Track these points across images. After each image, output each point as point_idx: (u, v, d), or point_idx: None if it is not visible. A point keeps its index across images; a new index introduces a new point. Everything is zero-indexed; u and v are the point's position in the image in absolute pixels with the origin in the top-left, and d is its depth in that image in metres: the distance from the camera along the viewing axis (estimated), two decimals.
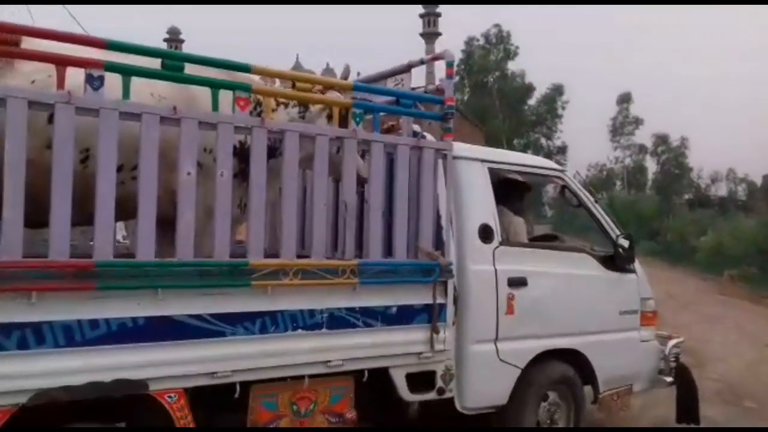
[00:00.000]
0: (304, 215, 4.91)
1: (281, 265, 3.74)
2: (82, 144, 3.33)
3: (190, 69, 3.57)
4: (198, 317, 3.50)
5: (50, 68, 3.23)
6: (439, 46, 47.13)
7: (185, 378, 3.49)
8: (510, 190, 5.21)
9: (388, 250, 4.28)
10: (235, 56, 3.76)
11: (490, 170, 4.93)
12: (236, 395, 3.65)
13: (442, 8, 49.69)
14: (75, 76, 3.21)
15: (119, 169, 3.33)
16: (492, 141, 40.03)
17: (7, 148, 3.04)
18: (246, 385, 3.72)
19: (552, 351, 5.03)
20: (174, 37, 50.55)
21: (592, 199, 5.62)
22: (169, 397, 3.44)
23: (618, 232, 5.55)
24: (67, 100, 3.14)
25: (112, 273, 3.25)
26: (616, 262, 5.48)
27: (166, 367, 3.42)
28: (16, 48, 3.12)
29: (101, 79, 3.22)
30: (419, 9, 49.72)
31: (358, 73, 5.87)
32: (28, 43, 3.20)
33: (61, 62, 3.18)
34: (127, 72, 3.32)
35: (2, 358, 3.01)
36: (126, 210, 3.46)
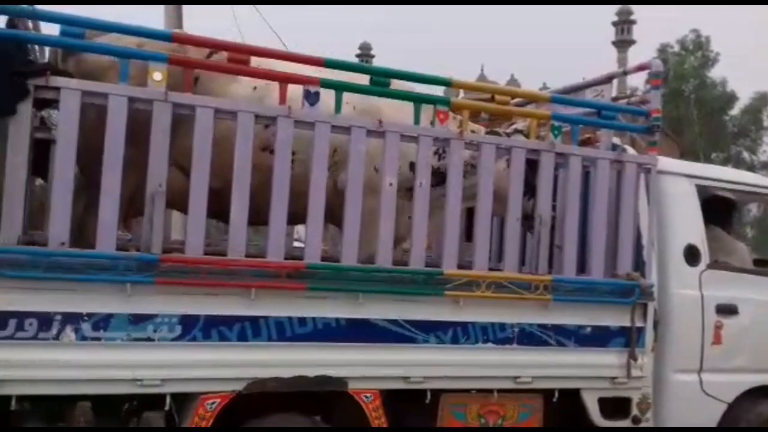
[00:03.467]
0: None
1: (474, 276, 3.77)
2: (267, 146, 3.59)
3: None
4: (394, 322, 3.63)
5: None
6: (632, 54, 44.80)
7: (381, 380, 3.63)
8: (717, 209, 4.81)
9: (581, 267, 4.15)
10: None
11: (698, 187, 4.59)
12: (427, 401, 3.73)
13: (636, 15, 47.11)
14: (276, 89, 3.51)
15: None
16: (688, 154, 37.14)
17: (236, 156, 3.37)
18: (436, 393, 3.78)
19: (763, 388, 4.56)
20: (365, 52, 52.95)
21: None
22: (366, 396, 3.60)
23: None
24: (288, 114, 3.42)
25: (321, 275, 3.48)
26: None
27: (364, 367, 3.58)
28: (247, 66, 3.46)
29: (317, 94, 3.48)
30: (605, 17, 47.55)
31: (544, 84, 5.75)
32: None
33: (284, 79, 3.47)
34: (341, 88, 3.55)
35: (226, 347, 3.34)
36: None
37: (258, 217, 3.53)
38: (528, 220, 4.02)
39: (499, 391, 3.90)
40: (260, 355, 3.40)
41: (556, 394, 3.99)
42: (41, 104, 3.17)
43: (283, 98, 3.45)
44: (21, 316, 3.03)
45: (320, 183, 3.51)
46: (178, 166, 3.50)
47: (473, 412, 3.92)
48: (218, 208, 3.47)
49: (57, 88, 3.08)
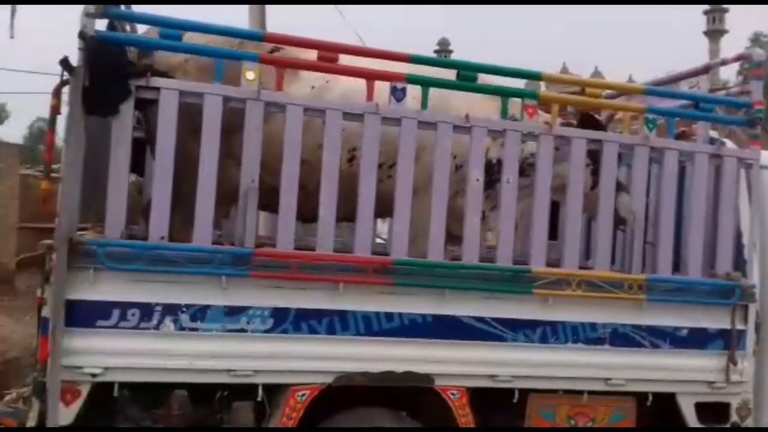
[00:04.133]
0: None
1: (564, 274, 3.68)
2: (349, 144, 3.62)
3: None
4: (481, 320, 3.60)
5: (327, 76, 3.67)
6: (724, 44, 42.67)
7: (468, 377, 3.60)
8: None
9: (675, 266, 3.98)
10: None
11: None
12: (514, 401, 3.68)
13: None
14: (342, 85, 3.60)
15: (379, 166, 3.53)
16: None
17: (324, 153, 3.42)
18: (524, 393, 3.72)
19: None
20: (444, 48, 52.78)
21: None
22: (452, 394, 3.58)
23: None
24: (375, 111, 3.44)
25: (407, 270, 3.48)
26: None
27: (451, 364, 3.56)
28: (335, 64, 3.50)
29: (404, 90, 3.48)
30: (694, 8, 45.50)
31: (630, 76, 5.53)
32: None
33: (370, 77, 3.49)
34: (427, 84, 3.54)
35: (315, 340, 3.39)
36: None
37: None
38: (619, 217, 3.89)
39: (590, 392, 3.80)
40: (349, 349, 3.44)
41: (650, 398, 3.85)
42: (141, 104, 3.30)
43: (370, 95, 3.47)
44: (124, 307, 3.18)
45: (407, 179, 3.51)
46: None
47: (562, 413, 3.83)
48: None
49: (157, 89, 3.22)
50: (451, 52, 51.55)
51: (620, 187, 3.91)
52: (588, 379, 3.78)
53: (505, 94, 3.71)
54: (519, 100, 3.74)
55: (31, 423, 3.29)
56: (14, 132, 31.83)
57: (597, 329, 3.76)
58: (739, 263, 4.02)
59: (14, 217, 11.64)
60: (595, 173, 3.89)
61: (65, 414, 3.10)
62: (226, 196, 3.50)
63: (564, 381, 3.76)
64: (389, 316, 3.49)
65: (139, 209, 4.07)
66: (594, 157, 3.86)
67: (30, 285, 11.57)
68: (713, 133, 4.26)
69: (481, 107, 3.75)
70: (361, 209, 3.50)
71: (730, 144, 4.21)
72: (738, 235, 4.05)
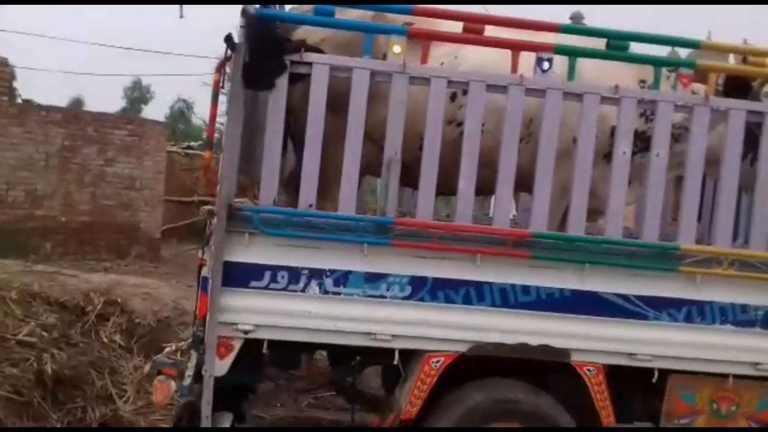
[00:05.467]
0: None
1: (715, 253, 3.52)
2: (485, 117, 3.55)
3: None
4: (622, 297, 3.52)
5: (455, 51, 3.68)
6: None
7: (605, 354, 3.54)
8: None
9: None
10: None
11: None
12: (654, 381, 3.59)
13: None
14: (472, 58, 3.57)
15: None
16: None
17: (466, 126, 3.45)
18: (664, 373, 3.61)
19: None
20: (577, 21, 50.91)
21: None
22: (589, 370, 3.53)
23: None
24: (520, 83, 3.42)
25: (547, 244, 3.47)
26: None
27: (589, 340, 3.52)
28: (480, 36, 3.51)
29: (550, 61, 3.43)
30: None
31: None
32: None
33: (516, 47, 3.47)
34: (575, 54, 3.47)
35: (451, 309, 3.46)
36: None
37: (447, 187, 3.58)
38: None
39: (735, 376, 3.63)
40: (484, 320, 3.48)
41: None
42: (294, 78, 3.47)
43: (515, 67, 3.46)
44: (274, 270, 3.39)
45: (549, 152, 3.47)
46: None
47: (704, 396, 3.68)
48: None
49: (309, 63, 3.37)
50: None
51: None
52: (735, 363, 3.60)
53: (658, 63, 3.57)
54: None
55: (189, 372, 3.60)
56: (158, 111, 34.25)
57: (748, 311, 3.57)
58: None
59: (161, 190, 12.57)
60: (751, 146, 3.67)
61: (220, 366, 3.36)
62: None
63: (708, 363, 3.61)
64: (526, 289, 3.49)
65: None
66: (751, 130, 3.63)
67: (173, 253, 12.58)
68: None
69: (614, 76, 3.61)
70: (500, 182, 3.51)
71: None
72: None
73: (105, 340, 5.67)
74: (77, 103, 29.35)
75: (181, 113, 32.29)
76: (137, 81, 33.66)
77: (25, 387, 4.54)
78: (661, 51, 3.84)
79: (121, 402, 5.04)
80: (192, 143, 17.88)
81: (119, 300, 6.05)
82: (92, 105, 28.31)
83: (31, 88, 25.94)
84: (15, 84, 12.73)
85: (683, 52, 3.94)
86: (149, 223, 12.28)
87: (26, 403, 4.48)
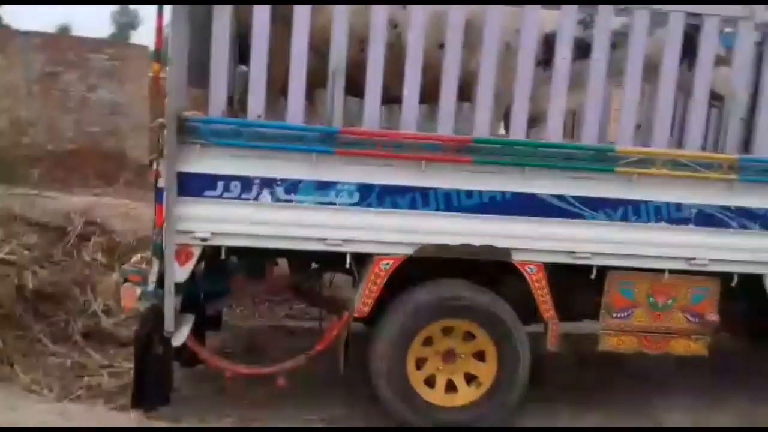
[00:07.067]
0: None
1: (649, 153, 3.65)
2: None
3: None
4: (560, 197, 3.68)
5: None
6: None
7: (545, 253, 3.73)
8: None
9: None
10: None
11: None
12: (592, 277, 3.78)
13: None
14: None
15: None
16: None
17: (410, 37, 3.52)
18: (603, 270, 3.81)
19: None
20: None
21: None
22: (530, 268, 3.73)
23: None
24: None
25: (487, 149, 3.59)
26: None
27: (529, 240, 3.70)
28: None
29: None
30: None
31: None
32: None
33: None
34: None
35: (398, 214, 3.62)
36: None
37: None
38: (715, 93, 3.75)
39: (671, 271, 3.83)
40: (429, 223, 3.64)
41: (735, 279, 3.82)
42: None
43: None
44: (227, 179, 3.53)
45: (491, 62, 3.55)
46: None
47: (642, 290, 3.90)
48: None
49: None
50: None
51: (720, 61, 3.74)
52: (670, 258, 3.80)
53: None
54: None
55: (152, 278, 3.79)
56: (147, 36, 33.60)
57: (682, 209, 3.74)
58: None
59: (146, 116, 12.48)
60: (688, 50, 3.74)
61: (180, 272, 3.55)
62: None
63: (644, 260, 3.80)
64: (469, 193, 3.64)
65: None
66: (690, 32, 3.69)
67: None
68: None
69: None
70: (444, 90, 3.60)
71: None
72: None
73: (87, 258, 5.85)
74: (64, 29, 28.74)
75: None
76: (125, 6, 32.94)
77: (6, 301, 4.74)
78: None
79: (103, 315, 5.26)
80: None
81: (99, 220, 6.22)
82: (80, 31, 27.76)
83: (19, 15, 25.30)
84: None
85: None
86: (136, 150, 12.30)
87: (7, 315, 4.69)
